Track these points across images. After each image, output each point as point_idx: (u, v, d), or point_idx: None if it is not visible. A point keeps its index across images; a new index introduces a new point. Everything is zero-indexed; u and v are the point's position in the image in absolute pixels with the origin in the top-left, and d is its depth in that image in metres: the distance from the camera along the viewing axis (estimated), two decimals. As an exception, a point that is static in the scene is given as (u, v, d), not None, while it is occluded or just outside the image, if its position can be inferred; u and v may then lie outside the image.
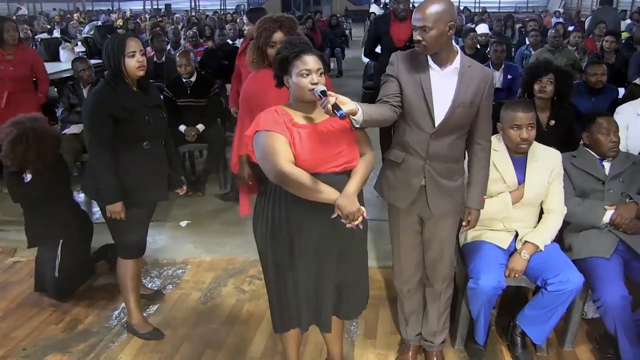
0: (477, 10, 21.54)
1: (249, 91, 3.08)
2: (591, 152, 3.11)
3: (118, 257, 3.17)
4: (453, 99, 2.43)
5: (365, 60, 8.65)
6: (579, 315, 3.00)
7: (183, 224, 4.71)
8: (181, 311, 3.47)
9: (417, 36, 2.35)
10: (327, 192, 2.20)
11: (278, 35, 2.99)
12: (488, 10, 17.71)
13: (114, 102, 2.85)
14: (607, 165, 3.07)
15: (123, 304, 3.33)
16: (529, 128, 2.86)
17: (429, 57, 2.43)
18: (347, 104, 2.10)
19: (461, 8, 22.19)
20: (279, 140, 2.20)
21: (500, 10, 20.01)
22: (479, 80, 2.45)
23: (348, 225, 2.22)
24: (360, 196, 2.32)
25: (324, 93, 2.11)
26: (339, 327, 2.72)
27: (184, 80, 5.38)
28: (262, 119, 2.27)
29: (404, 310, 2.95)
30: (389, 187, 2.66)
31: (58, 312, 3.44)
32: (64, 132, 5.12)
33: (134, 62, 2.85)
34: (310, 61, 2.24)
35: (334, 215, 2.21)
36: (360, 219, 2.22)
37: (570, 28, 11.63)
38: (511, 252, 2.93)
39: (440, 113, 2.44)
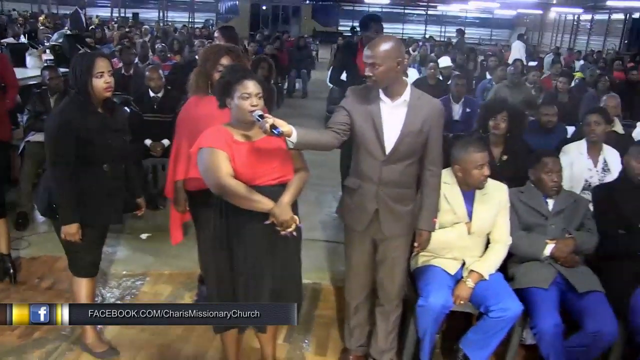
0: (442, 39, 22.08)
1: (192, 115, 3.12)
2: (536, 188, 3.29)
3: (73, 276, 3.11)
4: (402, 128, 2.66)
5: (331, 84, 8.77)
6: (517, 341, 3.14)
7: (144, 236, 4.75)
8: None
9: (368, 72, 2.60)
10: (263, 202, 2.44)
11: (225, 60, 3.06)
12: (452, 41, 18.17)
13: (79, 123, 2.80)
14: (550, 202, 3.25)
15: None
16: (487, 165, 3.03)
17: (380, 90, 2.67)
18: (284, 126, 2.35)
19: (427, 37, 22.67)
20: (220, 156, 2.44)
21: (465, 42, 20.47)
22: (428, 110, 2.70)
23: (282, 233, 2.46)
24: (294, 207, 2.56)
25: (261, 117, 2.36)
26: (273, 329, 2.93)
27: (152, 95, 5.42)
28: (205, 136, 2.51)
29: (350, 323, 3.13)
30: (348, 211, 2.89)
31: (14, 319, 3.44)
32: (27, 139, 5.07)
33: (102, 83, 2.80)
34: (251, 85, 2.47)
35: (268, 222, 2.44)
36: (293, 226, 2.47)
37: (533, 63, 12.05)
38: (458, 278, 3.08)
39: (390, 142, 2.68)
